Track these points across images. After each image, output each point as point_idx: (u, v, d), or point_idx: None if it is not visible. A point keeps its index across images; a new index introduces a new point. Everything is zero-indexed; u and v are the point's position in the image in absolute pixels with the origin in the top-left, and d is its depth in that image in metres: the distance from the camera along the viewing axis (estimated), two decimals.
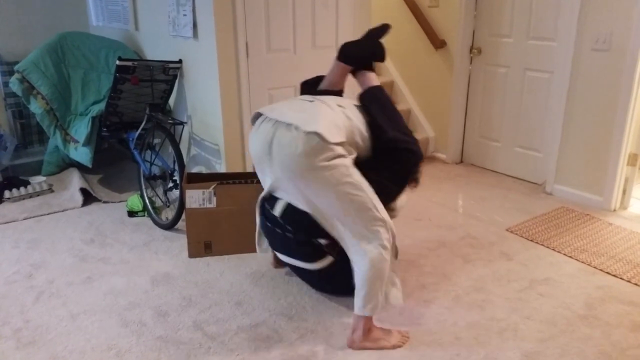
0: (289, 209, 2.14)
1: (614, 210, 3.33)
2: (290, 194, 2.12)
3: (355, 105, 2.23)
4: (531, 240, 2.93)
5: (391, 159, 2.14)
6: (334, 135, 1.95)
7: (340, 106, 2.13)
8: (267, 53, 3.04)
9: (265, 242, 2.42)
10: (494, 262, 2.69)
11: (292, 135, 1.96)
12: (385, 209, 2.06)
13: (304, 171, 1.96)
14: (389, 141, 2.12)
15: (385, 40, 2.32)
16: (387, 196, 2.15)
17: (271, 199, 2.23)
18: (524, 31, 3.69)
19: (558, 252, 2.80)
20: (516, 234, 3.02)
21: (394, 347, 2.07)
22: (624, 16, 3.05)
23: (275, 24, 3.01)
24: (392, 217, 2.20)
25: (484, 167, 4.20)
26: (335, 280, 2.28)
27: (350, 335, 2.06)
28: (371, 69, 2.33)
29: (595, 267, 2.63)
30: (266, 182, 2.22)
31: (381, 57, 2.31)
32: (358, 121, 2.12)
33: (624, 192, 3.34)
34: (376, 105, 2.21)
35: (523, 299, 2.36)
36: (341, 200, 1.96)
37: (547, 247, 2.85)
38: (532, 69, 3.69)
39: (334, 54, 2.31)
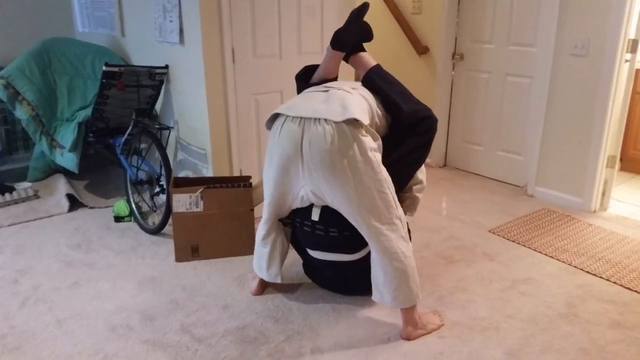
0: (327, 211, 2.10)
1: (594, 211, 3.41)
2: (320, 197, 2.05)
3: (364, 86, 2.22)
4: (513, 241, 2.99)
5: (413, 131, 2.14)
6: (365, 118, 1.94)
7: (354, 88, 2.12)
8: (253, 58, 3.07)
9: (274, 267, 2.31)
10: (477, 263, 2.74)
11: (324, 130, 1.91)
12: (414, 181, 2.28)
13: (339, 166, 1.91)
14: (409, 114, 2.12)
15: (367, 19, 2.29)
16: (412, 170, 2.21)
17: (299, 208, 2.17)
18: (504, 37, 3.77)
19: (539, 252, 2.86)
20: (498, 235, 3.07)
21: (439, 326, 2.17)
22: (600, 23, 3.14)
23: (261, 30, 3.05)
24: (421, 188, 2.36)
25: (467, 170, 4.27)
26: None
27: (405, 329, 2.11)
28: (362, 49, 2.29)
29: (575, 267, 2.69)
30: (290, 188, 2.11)
31: (370, 36, 2.27)
32: (372, 101, 2.12)
33: (604, 193, 3.42)
34: (384, 83, 2.19)
35: (505, 299, 2.41)
36: (370, 197, 1.96)
37: (529, 247, 2.91)
38: (512, 74, 3.77)
39: (319, 60, 2.34)
